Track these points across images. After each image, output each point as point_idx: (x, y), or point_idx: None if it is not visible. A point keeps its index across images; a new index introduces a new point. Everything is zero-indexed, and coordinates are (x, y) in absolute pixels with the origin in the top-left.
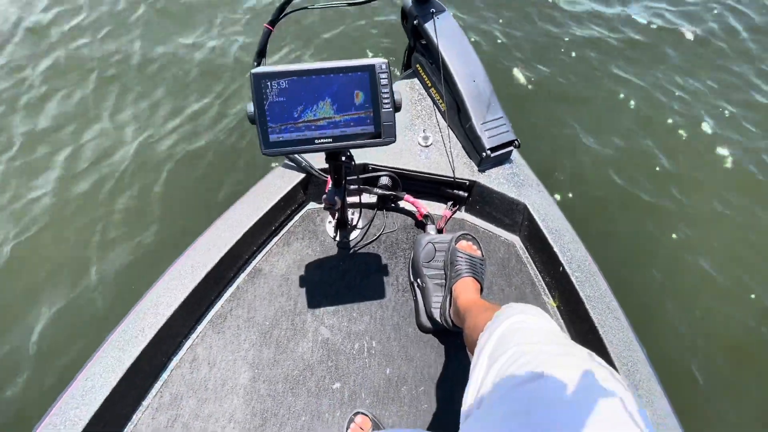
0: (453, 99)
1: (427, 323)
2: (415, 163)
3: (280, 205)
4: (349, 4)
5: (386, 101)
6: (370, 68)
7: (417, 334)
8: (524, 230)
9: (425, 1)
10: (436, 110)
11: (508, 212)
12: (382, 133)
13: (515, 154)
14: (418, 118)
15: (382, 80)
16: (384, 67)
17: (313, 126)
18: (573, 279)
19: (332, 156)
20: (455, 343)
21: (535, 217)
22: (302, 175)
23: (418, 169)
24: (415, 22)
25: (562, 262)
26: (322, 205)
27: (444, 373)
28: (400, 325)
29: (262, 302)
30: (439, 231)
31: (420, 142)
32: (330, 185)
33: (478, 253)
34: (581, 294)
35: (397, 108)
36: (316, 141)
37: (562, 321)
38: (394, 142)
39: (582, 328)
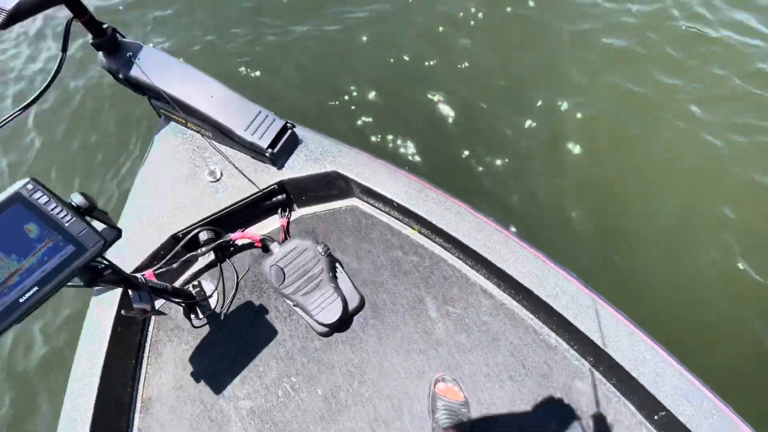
0: (208, 123)
1: (323, 327)
2: (218, 201)
3: (124, 334)
4: (23, 109)
5: (63, 215)
6: (18, 198)
7: (323, 341)
8: (351, 190)
9: (116, 50)
10: (208, 141)
11: (328, 185)
12: (85, 246)
13: (304, 131)
14: (195, 160)
15: (40, 200)
16: (31, 186)
17: (6, 289)
18: (409, 206)
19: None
20: (359, 324)
21: (349, 176)
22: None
23: (225, 206)
24: (120, 75)
25: (391, 198)
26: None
27: (366, 357)
28: (306, 346)
29: (173, 423)
30: (286, 240)
31: (209, 179)
32: (131, 293)
33: (460, 396)
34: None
35: (85, 209)
36: (22, 300)
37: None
38: (106, 242)
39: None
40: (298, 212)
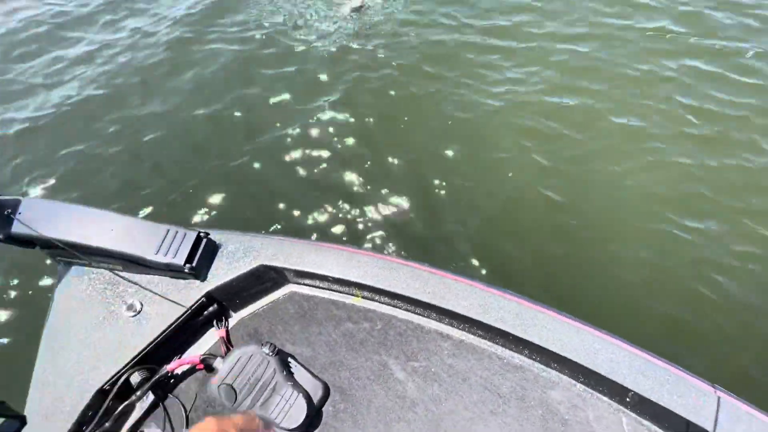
0: (115, 257)
1: None
2: (144, 335)
3: None
4: None
5: None
6: None
7: None
8: (285, 278)
9: None
10: (118, 275)
11: (259, 280)
12: None
13: (221, 234)
14: (107, 299)
15: None
16: None
17: None
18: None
19: None
20: (329, 414)
21: (278, 265)
22: None
23: (153, 337)
24: (1, 237)
25: (325, 274)
26: None
27: None
28: None
29: None
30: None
31: (129, 315)
32: None
33: None
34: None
35: None
36: None
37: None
38: None
39: None
40: (235, 317)
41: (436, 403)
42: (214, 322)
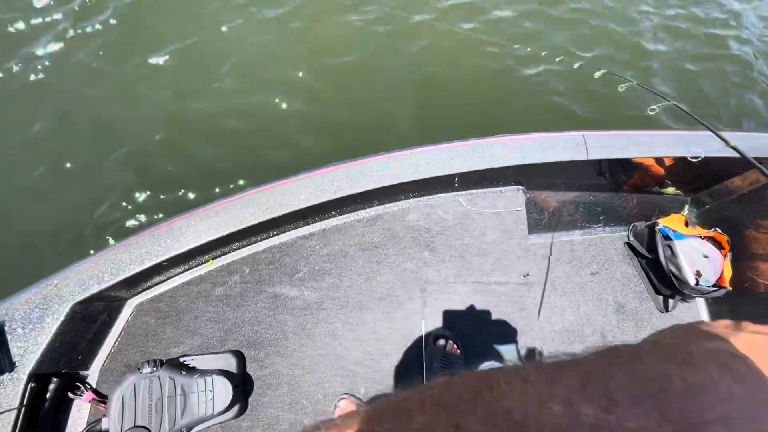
0: None
1: (231, 411)
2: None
3: None
4: None
5: None
6: None
7: (247, 414)
8: (118, 299)
9: None
10: None
11: (87, 322)
12: None
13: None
14: None
15: None
16: None
17: None
18: (177, 252)
19: None
20: (256, 369)
21: (93, 293)
22: None
23: None
24: None
25: (153, 265)
26: None
27: (293, 366)
28: None
29: None
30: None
31: None
32: None
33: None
34: None
35: None
36: None
37: None
38: None
39: None
40: (93, 370)
41: (336, 288)
42: (69, 394)
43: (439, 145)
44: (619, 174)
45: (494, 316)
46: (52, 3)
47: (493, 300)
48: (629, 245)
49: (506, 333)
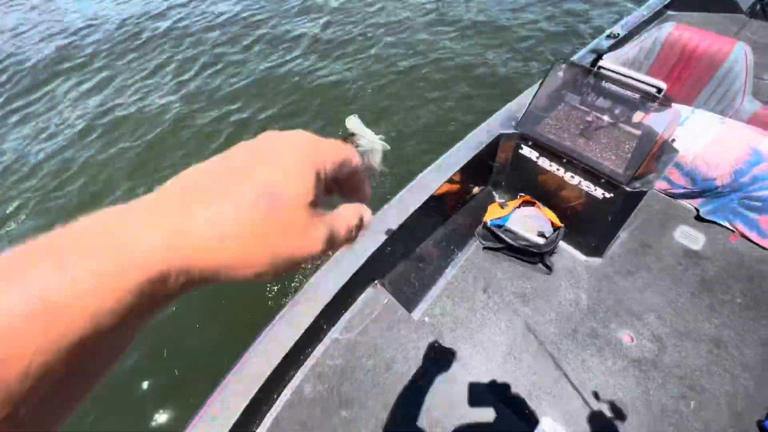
0: None
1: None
2: None
3: None
4: None
5: None
6: None
7: None
8: None
9: None
10: None
11: None
12: None
13: None
14: None
15: None
16: None
17: None
18: None
19: None
20: None
21: None
22: None
23: None
24: None
25: None
26: None
27: None
28: None
29: None
30: None
31: None
32: None
33: None
34: None
35: None
36: None
37: None
38: None
39: None
40: None
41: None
42: None
43: None
44: (431, 213)
45: None
46: None
47: None
48: (488, 248)
49: None
